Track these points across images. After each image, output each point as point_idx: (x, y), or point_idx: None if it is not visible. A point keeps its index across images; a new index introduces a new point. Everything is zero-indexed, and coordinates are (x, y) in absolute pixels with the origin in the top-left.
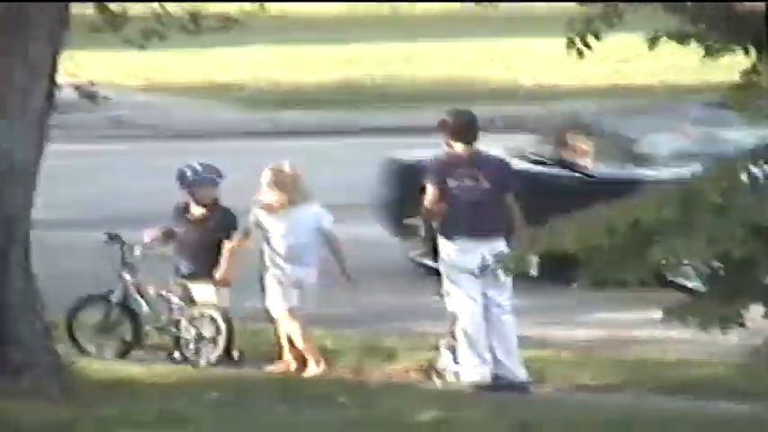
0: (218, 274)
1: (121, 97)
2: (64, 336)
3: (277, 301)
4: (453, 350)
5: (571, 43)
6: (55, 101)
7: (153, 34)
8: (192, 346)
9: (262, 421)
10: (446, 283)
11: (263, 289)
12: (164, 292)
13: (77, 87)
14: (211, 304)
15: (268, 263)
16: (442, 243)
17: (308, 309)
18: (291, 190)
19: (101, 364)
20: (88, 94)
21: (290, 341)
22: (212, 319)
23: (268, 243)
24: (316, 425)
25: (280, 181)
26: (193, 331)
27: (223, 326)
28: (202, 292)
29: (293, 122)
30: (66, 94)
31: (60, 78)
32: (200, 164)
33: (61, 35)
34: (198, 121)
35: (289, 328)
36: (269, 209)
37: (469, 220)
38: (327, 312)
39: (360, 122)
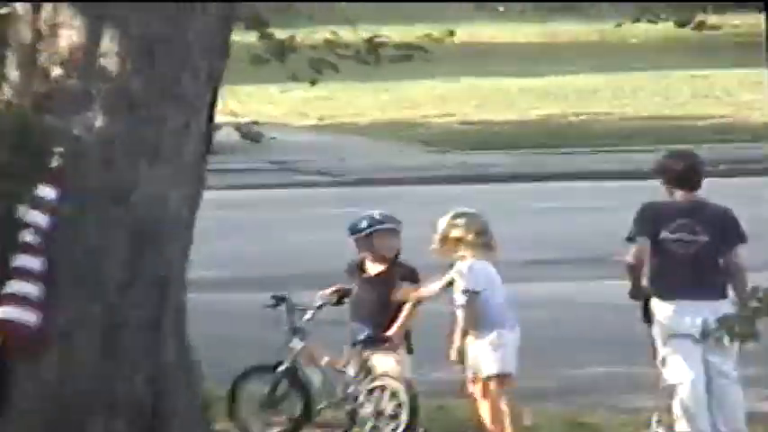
0: (392, 330)
1: (288, 138)
2: (224, 411)
3: (490, 368)
4: (670, 428)
5: None
6: (213, 143)
7: (325, 65)
8: (370, 423)
9: None
10: (662, 350)
11: (448, 357)
12: (339, 363)
13: (238, 127)
14: (393, 375)
15: (476, 324)
16: (657, 304)
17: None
18: (492, 240)
19: None
20: (251, 135)
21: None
22: (393, 393)
23: (471, 301)
24: None
25: (483, 229)
26: (372, 406)
27: (406, 400)
28: (382, 361)
29: (485, 166)
30: (225, 134)
31: (219, 117)
32: (379, 213)
33: (220, 67)
34: (376, 165)
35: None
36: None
37: (688, 279)
38: (527, 384)
39: (559, 165)
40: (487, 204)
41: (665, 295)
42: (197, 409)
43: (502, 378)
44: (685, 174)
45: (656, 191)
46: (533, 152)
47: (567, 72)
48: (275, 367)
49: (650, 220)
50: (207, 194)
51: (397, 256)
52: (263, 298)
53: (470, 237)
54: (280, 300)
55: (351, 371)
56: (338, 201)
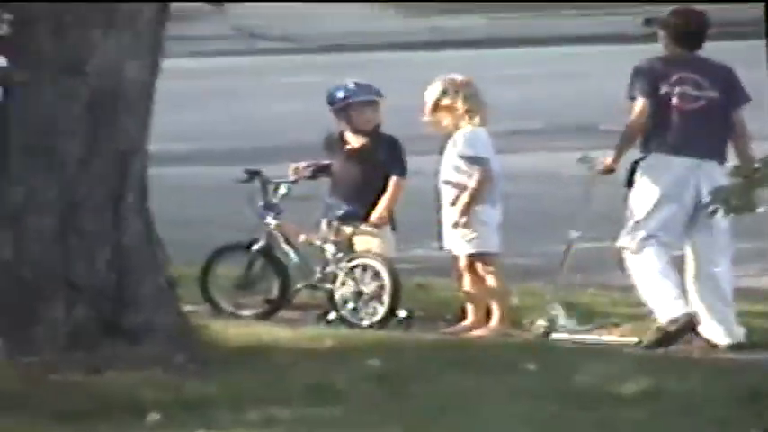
0: (376, 212)
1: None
2: (194, 293)
3: (476, 246)
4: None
5: None
6: (170, 8)
7: None
8: (350, 304)
9: (433, 394)
10: (634, 219)
11: (439, 235)
12: (317, 240)
13: None
14: (374, 254)
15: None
16: (648, 163)
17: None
18: (484, 108)
19: (240, 326)
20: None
21: (476, 296)
22: (375, 273)
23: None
24: (499, 397)
25: (475, 95)
26: (352, 287)
27: (388, 280)
28: (363, 239)
29: (459, 30)
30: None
31: None
32: (355, 82)
33: None
34: (344, 31)
35: (486, 278)
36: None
37: (692, 134)
38: (512, 262)
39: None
40: (465, 71)
41: (663, 149)
42: (163, 292)
43: (485, 257)
44: (690, 30)
45: (644, 55)
46: (513, 16)
47: None
48: (249, 246)
49: (649, 75)
50: (166, 63)
51: (377, 127)
52: (233, 172)
53: (464, 104)
54: (253, 174)
55: (330, 249)
56: (305, 68)
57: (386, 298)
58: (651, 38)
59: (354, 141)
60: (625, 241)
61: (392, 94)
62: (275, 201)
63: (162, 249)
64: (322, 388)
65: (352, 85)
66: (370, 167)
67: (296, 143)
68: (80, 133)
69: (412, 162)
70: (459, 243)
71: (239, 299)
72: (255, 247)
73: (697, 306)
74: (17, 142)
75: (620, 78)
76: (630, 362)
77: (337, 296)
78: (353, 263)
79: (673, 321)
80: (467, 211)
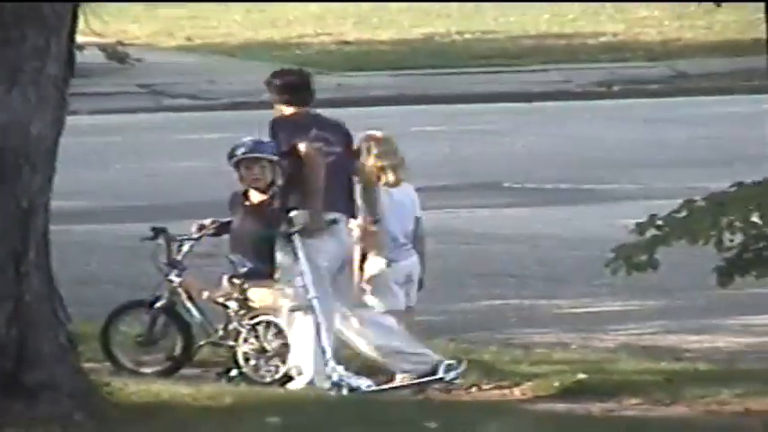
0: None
1: (155, 60)
2: (95, 351)
3: (386, 303)
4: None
5: None
6: (75, 65)
7: None
8: (252, 361)
9: None
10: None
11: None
12: (219, 298)
13: (103, 48)
14: (277, 311)
15: (375, 255)
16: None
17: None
18: (400, 165)
19: (140, 383)
20: (116, 56)
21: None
22: (278, 330)
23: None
24: None
25: (386, 153)
26: (255, 344)
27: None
28: (263, 295)
29: (365, 88)
30: (89, 56)
31: (82, 38)
32: (252, 139)
33: None
34: (249, 88)
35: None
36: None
37: (336, 194)
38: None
39: (443, 87)
40: (369, 128)
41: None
42: (64, 349)
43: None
44: (297, 88)
45: (547, 111)
46: (416, 73)
47: None
48: (151, 303)
49: (289, 131)
50: (70, 120)
51: (271, 184)
52: (134, 229)
53: (376, 161)
54: (159, 231)
55: (232, 306)
56: (210, 126)
57: (289, 355)
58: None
59: (255, 198)
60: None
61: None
62: (179, 258)
63: (63, 306)
64: None
65: (247, 141)
66: (267, 224)
67: (200, 200)
68: None
69: None
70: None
71: (141, 356)
72: (158, 305)
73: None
74: None
75: (526, 136)
76: (533, 419)
77: (239, 353)
78: (256, 320)
79: None
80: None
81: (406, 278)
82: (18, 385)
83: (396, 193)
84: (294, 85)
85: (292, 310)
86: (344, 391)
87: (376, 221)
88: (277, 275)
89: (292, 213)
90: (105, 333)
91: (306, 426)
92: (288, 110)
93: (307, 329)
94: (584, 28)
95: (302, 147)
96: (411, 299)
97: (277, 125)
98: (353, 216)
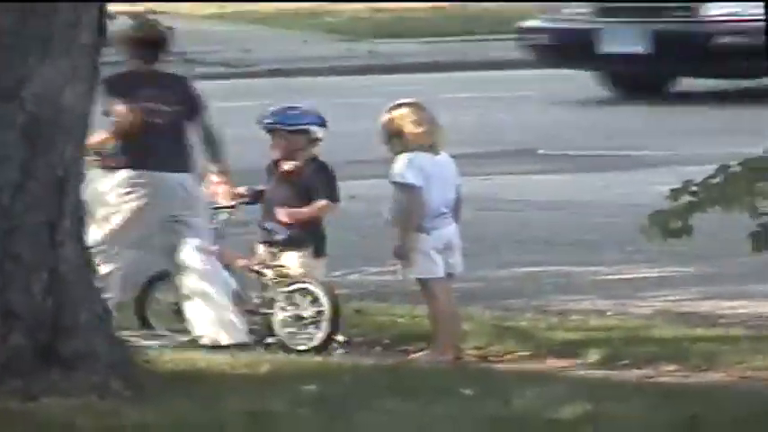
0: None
1: (188, 28)
2: (131, 319)
3: (410, 271)
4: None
5: None
6: (107, 34)
7: None
8: (288, 329)
9: (370, 420)
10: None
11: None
12: (255, 266)
13: (134, 17)
14: (312, 278)
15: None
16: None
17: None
18: (437, 131)
19: (176, 352)
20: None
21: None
22: (315, 298)
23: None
24: (437, 422)
25: (424, 119)
26: (291, 311)
27: (327, 305)
28: (295, 261)
29: (395, 54)
30: (120, 25)
31: (113, 7)
32: (274, 109)
33: None
34: (282, 56)
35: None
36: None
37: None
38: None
39: (476, 54)
40: (401, 96)
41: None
42: (100, 319)
43: (421, 282)
44: (146, 44)
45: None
46: (449, 40)
47: None
48: None
49: (119, 87)
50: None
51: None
52: None
53: (412, 128)
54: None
55: (268, 273)
56: (244, 94)
57: (324, 323)
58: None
59: (285, 165)
60: None
61: (330, 118)
62: (215, 226)
63: (98, 275)
64: (258, 413)
65: (268, 111)
66: (299, 191)
67: (235, 168)
68: (16, 158)
69: (347, 187)
70: (401, 268)
71: (176, 324)
72: None
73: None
74: None
75: (562, 104)
76: (568, 386)
77: (275, 321)
78: (292, 287)
79: None
80: (400, 236)
81: (445, 245)
82: (54, 355)
83: (438, 160)
84: (132, 41)
85: None
86: None
87: (414, 190)
88: None
89: None
90: (141, 301)
91: (342, 394)
92: (133, 64)
93: None
94: None
95: (119, 108)
96: (451, 266)
97: (107, 83)
98: (187, 171)
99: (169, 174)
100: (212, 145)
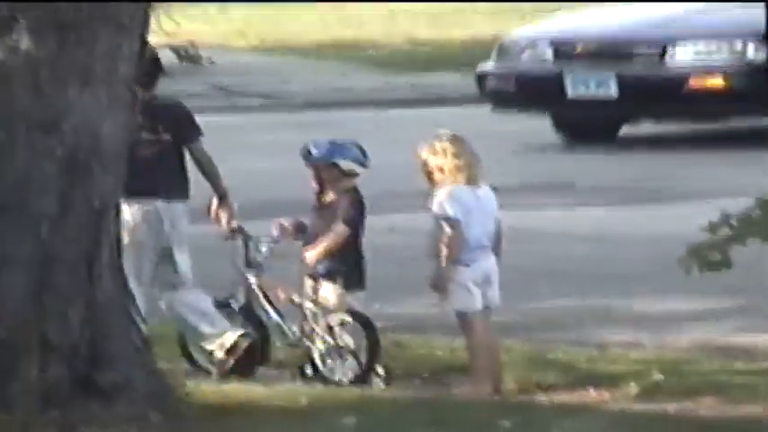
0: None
1: (228, 60)
2: (170, 351)
3: (469, 304)
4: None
5: None
6: (161, 65)
7: None
8: (328, 361)
9: None
10: None
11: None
12: (295, 298)
13: (175, 49)
14: (351, 310)
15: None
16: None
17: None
18: (477, 163)
19: (216, 384)
20: (189, 57)
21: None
22: (353, 329)
23: (452, 229)
24: None
25: (464, 152)
26: (330, 342)
27: (366, 336)
28: (333, 293)
29: (439, 87)
30: (161, 57)
31: (154, 39)
32: (313, 142)
33: None
34: (322, 88)
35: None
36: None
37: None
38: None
39: None
40: (444, 128)
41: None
42: (138, 350)
43: (459, 315)
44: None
45: None
46: None
47: None
48: (228, 303)
49: None
50: None
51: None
52: (209, 229)
53: (452, 161)
54: (236, 231)
55: (309, 306)
56: (285, 126)
57: (363, 355)
58: None
59: (325, 197)
60: None
61: (370, 150)
62: (258, 259)
63: (137, 307)
64: None
65: (324, 143)
66: (332, 224)
67: (276, 200)
68: (54, 190)
69: (387, 219)
70: (439, 301)
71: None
72: (235, 305)
73: None
74: None
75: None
76: (608, 419)
77: (315, 353)
78: (332, 319)
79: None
80: (437, 269)
81: (484, 278)
82: (93, 386)
83: (479, 193)
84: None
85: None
86: None
87: (454, 223)
88: None
89: None
90: (182, 334)
91: (381, 427)
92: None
93: None
94: None
95: None
96: (490, 299)
97: None
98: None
99: (156, 201)
100: (204, 170)
